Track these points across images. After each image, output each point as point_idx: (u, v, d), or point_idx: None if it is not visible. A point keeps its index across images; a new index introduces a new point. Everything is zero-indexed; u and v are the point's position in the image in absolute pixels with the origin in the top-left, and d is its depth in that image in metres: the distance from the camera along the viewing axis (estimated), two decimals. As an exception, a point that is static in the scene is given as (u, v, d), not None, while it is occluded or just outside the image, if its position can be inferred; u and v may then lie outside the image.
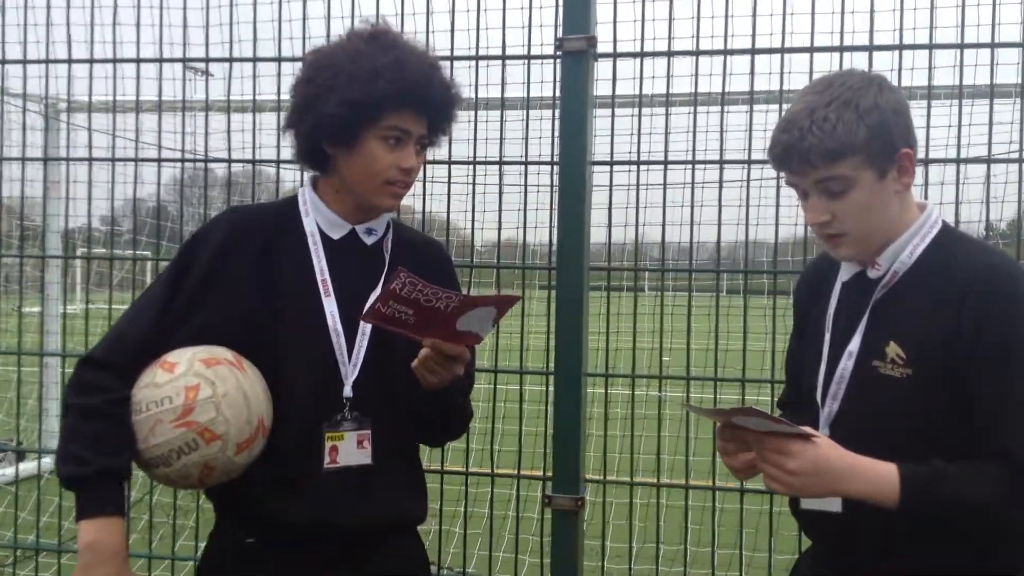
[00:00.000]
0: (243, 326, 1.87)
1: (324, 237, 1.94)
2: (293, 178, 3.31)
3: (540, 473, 2.84)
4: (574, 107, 2.63)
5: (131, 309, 1.92)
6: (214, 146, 3.30)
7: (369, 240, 1.98)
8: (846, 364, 1.71)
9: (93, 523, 1.72)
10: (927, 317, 1.62)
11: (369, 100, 1.82)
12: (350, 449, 1.88)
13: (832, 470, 1.55)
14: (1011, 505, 1.55)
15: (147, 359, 1.81)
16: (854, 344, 1.70)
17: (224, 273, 1.88)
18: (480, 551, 3.39)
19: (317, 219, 1.95)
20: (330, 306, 1.89)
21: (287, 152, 2.39)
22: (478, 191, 3.09)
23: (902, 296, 1.68)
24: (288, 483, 1.86)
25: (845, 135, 1.59)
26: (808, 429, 1.57)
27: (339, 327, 1.88)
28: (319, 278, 1.90)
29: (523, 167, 2.95)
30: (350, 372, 1.89)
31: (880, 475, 1.56)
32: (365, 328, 1.89)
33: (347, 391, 1.88)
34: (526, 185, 2.98)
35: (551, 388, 2.66)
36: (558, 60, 2.66)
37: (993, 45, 2.68)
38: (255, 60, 3.11)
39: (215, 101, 3.41)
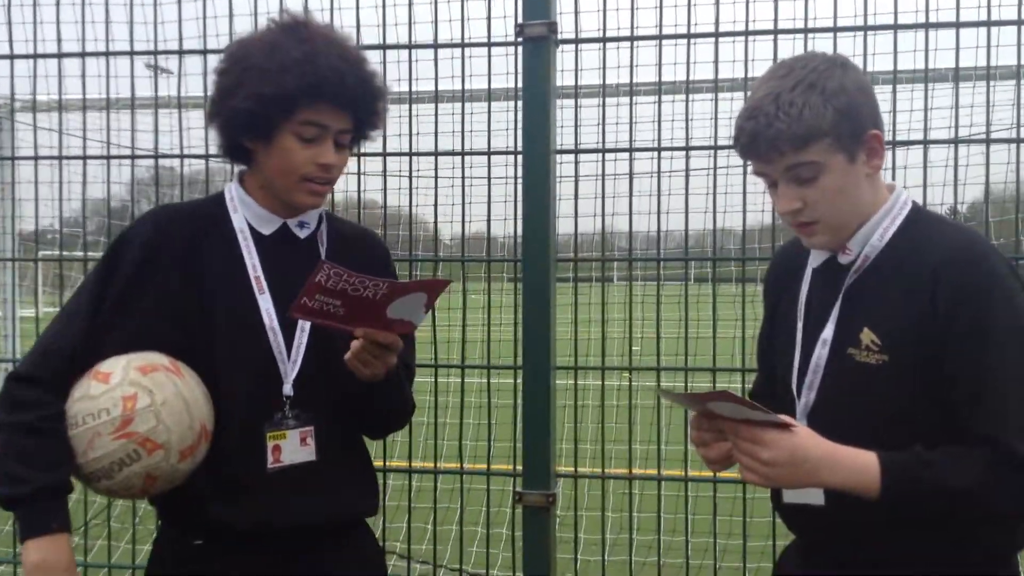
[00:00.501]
0: (175, 329, 1.82)
1: (255, 233, 1.90)
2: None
3: (511, 468, 2.81)
4: (536, 95, 2.59)
5: (57, 319, 1.85)
6: (173, 144, 3.22)
7: (302, 233, 1.93)
8: (820, 353, 1.68)
9: (39, 542, 1.67)
10: (900, 301, 1.59)
11: (278, 94, 1.77)
12: (293, 447, 1.84)
13: (810, 460, 1.51)
14: (994, 493, 1.51)
15: (77, 370, 1.75)
16: (827, 332, 1.67)
17: (151, 275, 1.83)
18: (452, 547, 3.34)
19: (246, 215, 1.91)
20: (265, 303, 1.85)
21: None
22: (443, 184, 3.05)
23: (874, 281, 1.64)
24: (232, 485, 1.82)
25: (813, 119, 1.55)
26: (785, 417, 1.53)
27: (276, 325, 1.84)
28: (252, 275, 1.85)
29: (487, 158, 2.91)
30: (290, 370, 1.85)
31: (860, 464, 1.52)
32: (304, 324, 1.85)
33: (287, 389, 1.84)
34: (490, 176, 2.94)
35: (519, 381, 2.63)
36: (520, 47, 2.62)
37: (958, 25, 2.67)
38: (180, 53, 3.05)
39: (171, 98, 3.33)
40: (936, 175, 2.98)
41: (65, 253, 3.59)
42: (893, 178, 2.75)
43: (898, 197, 1.69)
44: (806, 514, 1.67)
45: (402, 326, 1.75)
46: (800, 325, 1.74)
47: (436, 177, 2.96)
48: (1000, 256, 1.62)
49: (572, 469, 2.89)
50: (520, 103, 2.60)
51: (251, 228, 1.90)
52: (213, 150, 3.03)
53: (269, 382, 1.84)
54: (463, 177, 2.93)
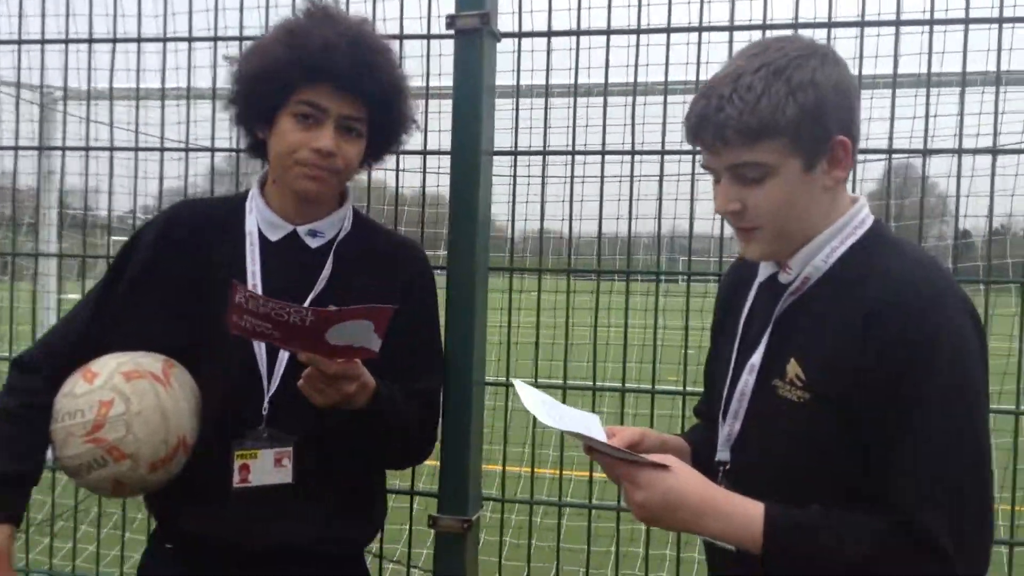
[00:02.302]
0: (175, 330, 1.77)
1: (263, 239, 1.81)
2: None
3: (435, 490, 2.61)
4: (468, 90, 2.40)
5: (71, 310, 1.85)
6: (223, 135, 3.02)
7: (314, 243, 1.84)
8: (747, 380, 1.50)
9: None
10: (831, 336, 1.39)
11: (268, 70, 1.71)
12: (265, 468, 1.75)
13: (686, 506, 1.36)
14: (884, 568, 1.31)
15: (78, 362, 1.73)
16: (756, 358, 1.50)
17: (158, 273, 1.79)
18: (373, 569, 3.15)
19: (258, 219, 1.83)
20: None
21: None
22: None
23: (810, 308, 1.45)
24: (200, 498, 1.76)
25: (769, 111, 1.35)
26: (664, 458, 1.37)
27: None
28: (250, 283, 1.77)
29: (422, 158, 2.73)
30: (270, 386, 1.76)
31: (742, 515, 1.36)
32: None
33: (264, 405, 1.76)
34: (425, 175, 2.76)
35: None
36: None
37: (932, 22, 2.48)
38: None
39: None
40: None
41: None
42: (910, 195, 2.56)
43: (855, 214, 1.47)
44: (719, 556, 1.49)
45: (352, 352, 1.61)
46: (736, 345, 1.56)
47: (369, 175, 2.78)
48: (958, 299, 1.38)
49: (499, 493, 2.70)
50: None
51: (260, 233, 1.82)
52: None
53: (248, 396, 1.76)
54: (396, 171, 2.76)
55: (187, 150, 2.92)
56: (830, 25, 2.53)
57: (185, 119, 2.89)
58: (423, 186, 2.77)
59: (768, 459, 1.46)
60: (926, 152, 2.57)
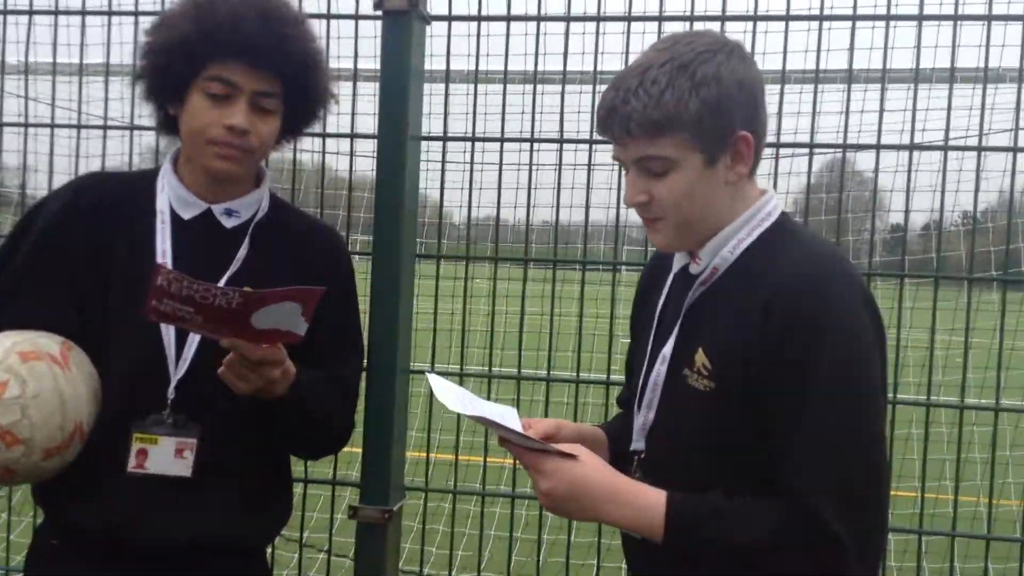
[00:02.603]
0: (72, 308, 1.68)
1: (175, 217, 1.73)
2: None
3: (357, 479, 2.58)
4: (395, 73, 2.37)
5: None
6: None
7: (229, 223, 1.77)
8: (660, 369, 1.51)
9: None
10: (735, 324, 1.41)
11: (174, 43, 1.65)
12: (164, 457, 1.67)
13: (590, 494, 1.37)
14: (781, 553, 1.33)
15: None
16: (668, 348, 1.51)
17: (59, 246, 1.69)
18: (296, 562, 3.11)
19: (170, 196, 1.74)
20: None
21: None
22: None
23: (717, 298, 1.47)
24: (88, 484, 1.66)
25: (672, 105, 1.36)
26: (571, 447, 1.37)
27: None
28: (158, 261, 1.68)
29: (349, 140, 2.68)
30: (176, 370, 1.68)
31: (645, 504, 1.37)
32: None
33: (170, 391, 1.67)
34: (352, 157, 2.71)
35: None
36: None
37: (854, 18, 2.51)
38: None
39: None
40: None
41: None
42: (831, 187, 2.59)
43: (763, 206, 1.49)
44: (636, 543, 1.49)
45: (277, 336, 1.55)
46: (652, 335, 1.57)
47: (295, 160, 2.72)
48: (856, 285, 1.41)
49: (423, 480, 2.68)
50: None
51: (172, 211, 1.73)
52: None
53: (153, 380, 1.67)
54: (322, 153, 2.71)
55: (132, 128, 2.81)
56: (756, 18, 2.55)
57: (130, 96, 2.79)
58: (351, 170, 2.72)
59: (679, 448, 1.47)
60: (845, 147, 2.62)
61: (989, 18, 2.45)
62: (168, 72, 1.69)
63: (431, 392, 2.64)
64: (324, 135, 2.68)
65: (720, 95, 1.38)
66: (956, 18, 2.45)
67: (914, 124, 2.51)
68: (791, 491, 1.33)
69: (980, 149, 2.50)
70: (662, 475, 1.45)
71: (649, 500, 1.37)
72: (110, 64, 2.79)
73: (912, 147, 2.52)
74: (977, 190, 2.53)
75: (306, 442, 1.88)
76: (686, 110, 1.36)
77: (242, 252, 1.77)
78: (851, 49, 2.56)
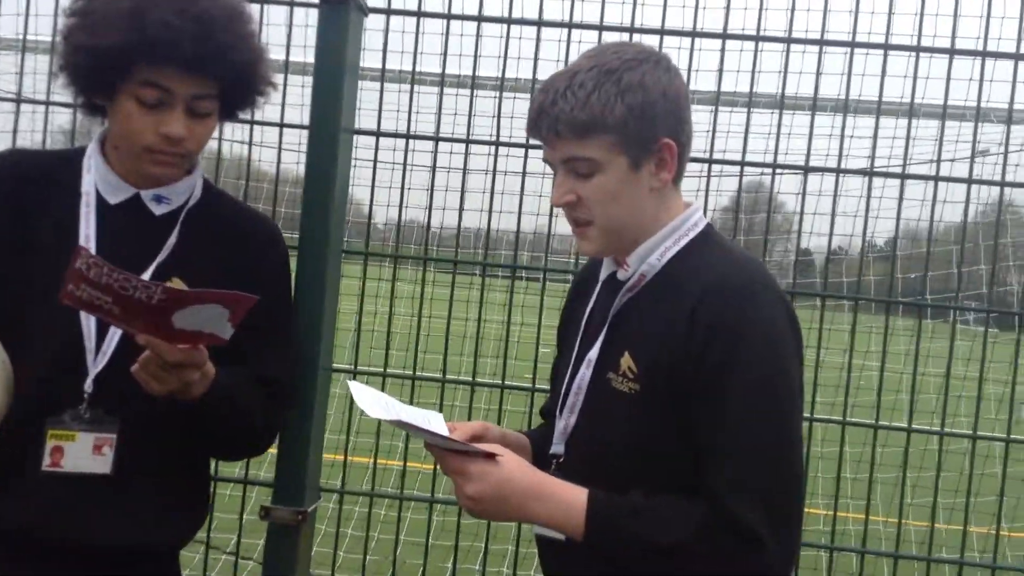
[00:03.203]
0: None
1: (101, 200, 1.64)
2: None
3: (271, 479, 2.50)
4: (330, 64, 2.31)
5: None
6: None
7: (159, 209, 1.68)
8: (584, 374, 1.54)
9: None
10: (660, 330, 1.45)
11: (103, 51, 1.55)
12: (82, 453, 1.58)
13: (516, 494, 1.37)
14: (700, 555, 1.35)
15: None
16: (593, 352, 1.53)
17: None
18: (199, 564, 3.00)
19: (96, 179, 1.65)
20: None
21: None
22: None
23: (644, 303, 1.51)
24: (2, 481, 1.58)
25: (599, 108, 1.41)
26: (491, 447, 1.38)
27: None
28: (80, 245, 1.55)
29: (278, 130, 2.61)
30: (95, 363, 1.58)
31: (567, 501, 1.39)
32: None
33: (87, 384, 1.58)
34: (280, 151, 2.64)
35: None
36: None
37: (789, 40, 2.56)
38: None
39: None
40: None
41: None
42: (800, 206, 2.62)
43: (688, 217, 1.54)
44: (551, 547, 1.50)
45: (199, 338, 1.46)
46: (578, 341, 1.59)
47: (219, 152, 2.64)
48: (775, 294, 1.46)
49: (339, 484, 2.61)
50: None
51: (99, 194, 1.64)
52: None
53: (70, 372, 1.58)
54: (249, 145, 2.63)
55: (47, 104, 2.69)
56: (694, 35, 2.58)
57: (47, 70, 2.66)
58: (278, 161, 2.65)
59: (600, 451, 1.49)
60: (775, 167, 2.67)
61: (917, 49, 2.53)
62: (94, 74, 1.61)
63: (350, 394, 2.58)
64: (252, 122, 2.60)
65: (645, 101, 1.43)
66: (886, 47, 2.52)
67: (841, 149, 2.57)
68: (713, 492, 1.36)
69: (903, 176, 2.57)
70: (580, 479, 1.45)
71: (572, 498, 1.38)
72: (27, 38, 2.66)
73: (839, 171, 2.59)
74: (899, 217, 2.60)
75: (227, 444, 1.80)
76: (611, 114, 1.41)
77: (171, 240, 1.70)
78: (784, 72, 2.62)
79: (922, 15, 2.50)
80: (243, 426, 1.73)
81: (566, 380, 1.58)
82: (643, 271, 1.51)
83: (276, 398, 1.78)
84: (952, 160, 3.39)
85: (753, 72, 2.58)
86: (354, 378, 2.61)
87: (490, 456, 1.37)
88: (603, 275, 1.61)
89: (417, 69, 2.58)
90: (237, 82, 1.69)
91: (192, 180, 1.77)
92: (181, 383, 1.52)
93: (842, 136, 2.59)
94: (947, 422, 2.67)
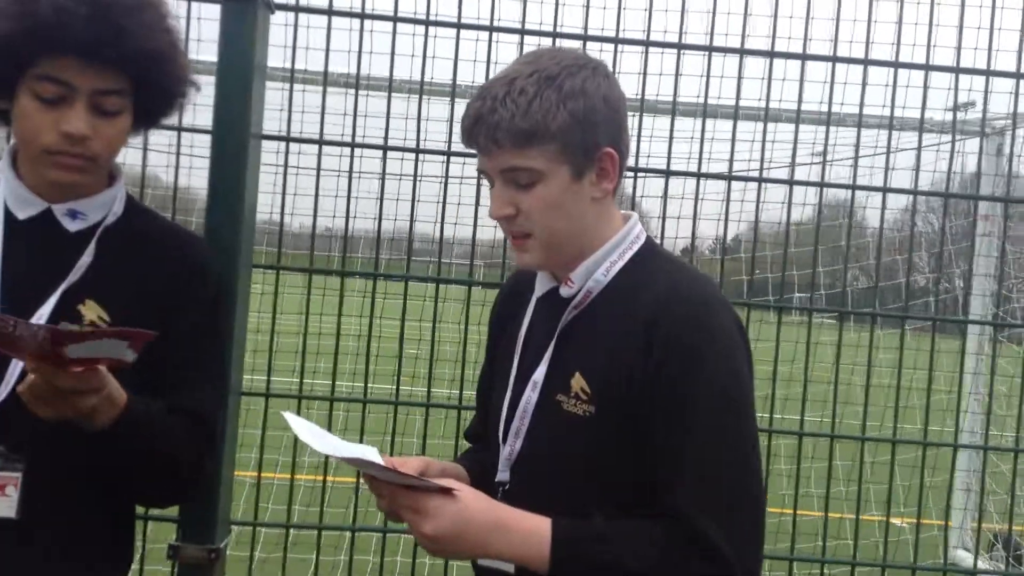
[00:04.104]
0: None
1: (9, 216, 1.55)
2: None
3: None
4: (234, 63, 2.15)
5: None
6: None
7: (73, 226, 1.55)
8: (530, 396, 1.46)
9: None
10: (614, 348, 1.40)
11: None
12: None
13: (476, 529, 1.31)
14: (669, 573, 1.32)
15: None
16: (539, 373, 1.46)
17: None
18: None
19: (5, 192, 1.56)
20: None
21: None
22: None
23: (592, 321, 1.45)
24: None
25: (541, 115, 1.35)
26: (446, 481, 1.29)
27: None
28: None
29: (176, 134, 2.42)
30: None
31: (529, 531, 1.33)
32: None
33: None
34: (178, 154, 2.45)
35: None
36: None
37: (711, 49, 2.54)
38: None
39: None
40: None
41: None
42: (632, 207, 2.57)
43: (631, 230, 1.50)
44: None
45: (97, 362, 1.33)
46: (516, 362, 1.52)
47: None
48: (728, 310, 1.44)
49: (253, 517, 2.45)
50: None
51: (7, 209, 1.55)
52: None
53: None
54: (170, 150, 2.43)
55: None
56: (617, 41, 2.53)
57: None
58: (176, 167, 2.46)
59: (551, 476, 1.43)
60: (637, 171, 2.65)
61: (771, 55, 2.56)
62: None
63: (263, 416, 2.42)
64: (178, 128, 2.41)
65: (587, 109, 1.38)
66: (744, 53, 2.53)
67: (701, 153, 2.57)
68: (677, 511, 1.32)
69: (760, 180, 2.63)
70: (528, 506, 1.39)
71: (535, 528, 1.33)
72: None
73: (699, 175, 2.61)
74: (757, 220, 2.63)
75: (149, 482, 1.61)
76: (554, 121, 1.36)
77: (85, 259, 1.54)
78: (676, 76, 2.58)
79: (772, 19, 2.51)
80: (165, 462, 1.55)
81: (506, 403, 1.50)
82: (589, 288, 1.45)
83: (202, 429, 1.62)
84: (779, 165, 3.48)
85: (676, 79, 2.55)
86: (267, 401, 2.44)
87: (446, 491, 1.29)
88: (538, 291, 1.54)
89: (331, 69, 2.44)
90: (147, 77, 1.54)
91: (112, 193, 1.62)
92: (75, 409, 1.37)
93: (702, 140, 2.57)
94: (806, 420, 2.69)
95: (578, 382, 1.40)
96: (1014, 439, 2.73)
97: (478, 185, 2.47)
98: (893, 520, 2.64)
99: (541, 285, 1.53)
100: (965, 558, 4.87)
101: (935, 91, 2.65)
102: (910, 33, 2.58)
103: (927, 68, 2.59)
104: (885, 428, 2.78)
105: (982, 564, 4.96)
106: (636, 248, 1.48)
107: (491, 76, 1.45)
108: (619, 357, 1.38)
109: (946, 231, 3.54)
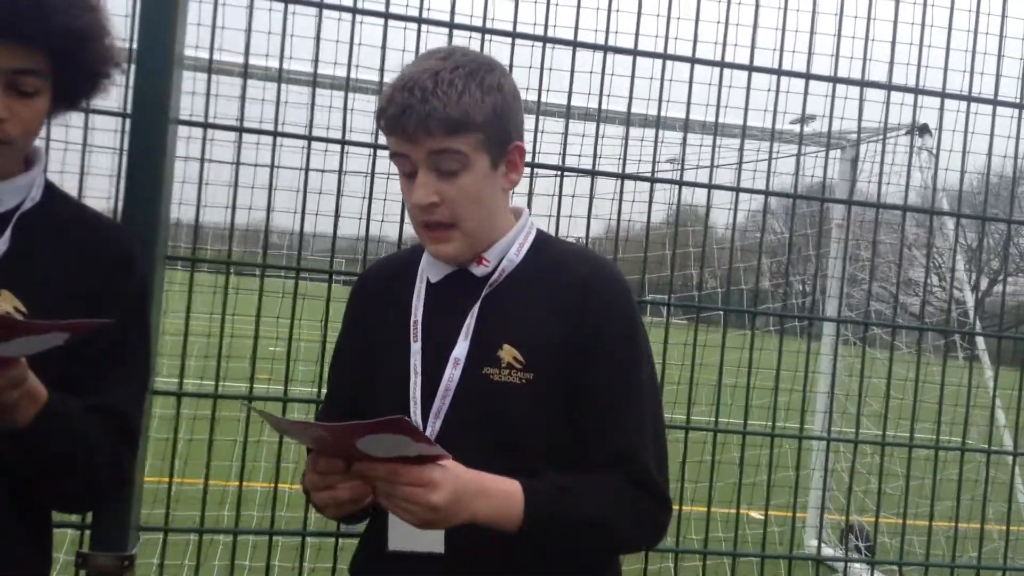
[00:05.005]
0: None
1: None
2: None
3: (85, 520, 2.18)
4: (153, 48, 2.05)
5: None
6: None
7: None
8: (452, 374, 1.51)
9: None
10: (546, 316, 1.52)
11: None
12: None
13: (468, 496, 1.34)
14: (628, 519, 1.47)
15: None
16: (459, 351, 1.51)
17: None
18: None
19: None
20: None
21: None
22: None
23: (514, 295, 1.54)
24: None
25: (470, 106, 1.44)
26: (438, 448, 1.29)
27: None
28: None
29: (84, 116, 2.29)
30: None
31: (506, 492, 1.39)
32: None
33: None
34: (85, 143, 2.31)
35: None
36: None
37: (635, 53, 2.57)
38: None
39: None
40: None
41: None
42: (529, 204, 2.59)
43: (528, 218, 1.64)
44: (419, 566, 1.43)
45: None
46: (417, 347, 1.53)
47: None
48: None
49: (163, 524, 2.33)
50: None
51: None
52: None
53: None
54: (83, 140, 2.27)
55: None
56: (545, 39, 2.53)
57: None
58: (83, 150, 2.32)
59: (481, 447, 1.45)
60: (562, 170, 2.70)
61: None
62: None
63: (175, 416, 2.32)
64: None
65: (503, 103, 1.49)
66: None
67: (565, 148, 2.63)
68: (623, 452, 1.47)
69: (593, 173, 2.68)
70: None
71: (509, 488, 1.40)
72: None
73: (562, 169, 2.69)
74: (589, 214, 2.72)
75: (65, 484, 1.50)
76: (479, 113, 1.45)
77: (1, 247, 1.45)
78: (540, 70, 2.59)
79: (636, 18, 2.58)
80: (84, 463, 1.46)
81: (417, 388, 1.51)
82: (503, 266, 1.55)
83: (122, 429, 1.53)
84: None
85: (572, 76, 2.57)
86: (179, 401, 2.33)
87: (438, 458, 1.29)
88: (431, 278, 1.58)
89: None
90: (68, 57, 1.45)
91: (30, 178, 1.52)
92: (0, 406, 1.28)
93: (596, 137, 2.63)
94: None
95: (508, 352, 1.49)
96: (854, 432, 2.92)
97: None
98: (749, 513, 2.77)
99: (435, 271, 1.57)
100: (825, 550, 5.14)
101: (786, 95, 2.74)
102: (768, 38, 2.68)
103: (779, 73, 2.67)
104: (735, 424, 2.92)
105: (830, 550, 5.32)
106: (534, 233, 1.61)
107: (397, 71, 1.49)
108: (555, 323, 1.50)
109: (793, 235, 3.88)
